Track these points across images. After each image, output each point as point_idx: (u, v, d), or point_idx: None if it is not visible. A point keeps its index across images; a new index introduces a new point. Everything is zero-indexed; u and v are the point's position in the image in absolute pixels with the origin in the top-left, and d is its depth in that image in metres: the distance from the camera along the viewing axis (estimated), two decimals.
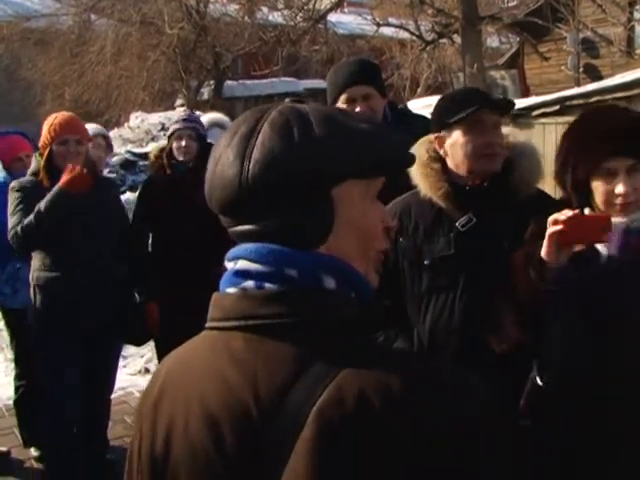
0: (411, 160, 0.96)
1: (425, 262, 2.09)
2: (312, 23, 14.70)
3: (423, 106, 7.25)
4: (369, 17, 16.22)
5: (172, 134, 3.65)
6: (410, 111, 3.08)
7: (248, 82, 17.54)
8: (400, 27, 15.94)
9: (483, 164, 2.04)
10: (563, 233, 1.68)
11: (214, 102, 15.54)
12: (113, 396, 3.80)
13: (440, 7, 14.23)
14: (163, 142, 3.98)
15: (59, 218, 3.09)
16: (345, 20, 18.75)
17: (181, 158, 3.58)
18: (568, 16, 13.34)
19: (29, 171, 3.35)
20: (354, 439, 0.76)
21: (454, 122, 2.04)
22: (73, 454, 3.28)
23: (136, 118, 11.87)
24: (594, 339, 1.72)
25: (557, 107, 7.45)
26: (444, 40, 15.36)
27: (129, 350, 5.13)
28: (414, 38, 15.70)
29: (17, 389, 3.92)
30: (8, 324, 3.94)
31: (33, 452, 3.85)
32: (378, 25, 15.66)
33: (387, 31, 16.58)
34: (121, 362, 4.46)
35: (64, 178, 3.08)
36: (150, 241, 3.73)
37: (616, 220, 1.71)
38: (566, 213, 1.69)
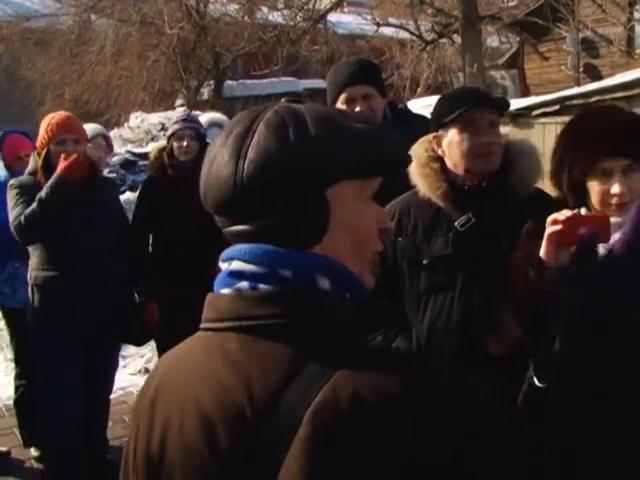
0: (407, 160, 0.96)
1: (424, 262, 2.09)
2: (312, 23, 14.70)
3: (423, 106, 7.25)
4: (369, 17, 16.22)
5: (172, 134, 3.65)
6: (410, 111, 3.08)
7: (248, 82, 17.55)
8: (400, 27, 15.94)
9: (479, 163, 2.03)
10: (562, 233, 1.68)
11: (214, 102, 15.54)
12: (113, 396, 3.80)
13: (440, 7, 14.23)
14: (163, 142, 3.98)
15: (58, 207, 3.10)
16: (345, 20, 18.75)
17: (182, 158, 3.58)
18: (568, 16, 13.35)
19: (27, 170, 3.35)
20: (349, 440, 0.76)
21: (449, 121, 2.04)
22: (73, 454, 3.28)
23: (136, 118, 11.87)
24: (594, 339, 1.72)
25: (557, 107, 7.46)
26: (444, 40, 15.36)
27: (129, 350, 5.13)
28: (414, 38, 15.70)
29: (17, 389, 3.93)
30: (8, 324, 3.95)
31: (33, 452, 3.85)
32: (378, 25, 15.66)
33: (387, 31, 16.58)
34: (121, 362, 4.47)
35: (61, 165, 3.10)
36: (150, 241, 3.74)
37: (612, 220, 1.71)
38: (565, 213, 1.69)
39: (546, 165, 2.12)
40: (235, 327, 0.86)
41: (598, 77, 13.47)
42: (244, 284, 0.88)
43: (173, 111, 12.83)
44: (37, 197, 3.08)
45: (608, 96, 7.15)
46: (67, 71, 15.92)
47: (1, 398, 4.60)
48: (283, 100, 0.95)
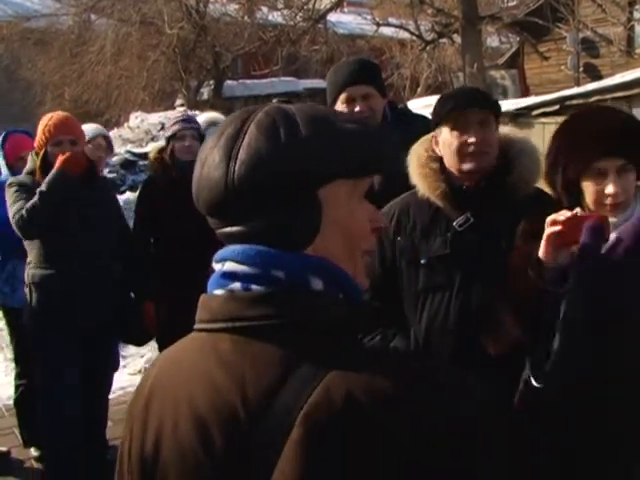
0: (398, 160, 0.96)
1: (422, 261, 2.09)
2: (312, 23, 14.71)
3: (423, 106, 7.26)
4: (369, 17, 16.24)
5: (173, 135, 3.64)
6: (410, 111, 3.08)
7: (248, 82, 17.55)
8: (400, 27, 15.96)
9: (468, 163, 2.02)
10: (561, 234, 1.68)
11: (214, 102, 15.54)
12: (113, 396, 3.80)
13: (440, 7, 14.25)
14: (162, 142, 3.97)
15: (58, 201, 3.10)
16: (345, 20, 18.76)
17: (186, 158, 3.57)
18: (568, 16, 13.36)
19: (25, 170, 3.36)
20: (343, 441, 0.76)
21: (442, 121, 2.05)
22: (73, 454, 3.28)
23: (136, 118, 11.85)
24: (594, 339, 1.72)
25: (557, 107, 7.47)
26: (444, 40, 15.38)
27: (129, 350, 5.13)
28: (414, 38, 15.72)
29: (17, 388, 3.92)
30: (8, 323, 3.95)
31: (33, 452, 3.85)
32: (378, 25, 15.68)
33: (387, 31, 16.60)
34: (121, 362, 4.46)
35: (58, 161, 3.11)
36: (151, 241, 3.73)
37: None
38: (564, 214, 1.69)
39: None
40: (228, 328, 0.86)
41: (598, 77, 13.47)
42: (237, 285, 0.88)
43: (173, 111, 12.82)
44: (37, 191, 3.10)
45: (608, 96, 7.15)
46: (67, 71, 15.92)
47: (1, 398, 4.60)
48: (274, 101, 0.95)
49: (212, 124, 4.39)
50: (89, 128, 4.08)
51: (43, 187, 3.10)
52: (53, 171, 3.11)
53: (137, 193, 4.02)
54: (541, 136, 6.57)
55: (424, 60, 16.60)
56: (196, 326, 0.92)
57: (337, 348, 0.83)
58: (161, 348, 3.69)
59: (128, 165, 9.31)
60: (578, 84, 12.29)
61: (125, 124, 11.96)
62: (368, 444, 0.76)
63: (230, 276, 0.89)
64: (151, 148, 4.44)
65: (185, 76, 16.37)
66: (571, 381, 1.75)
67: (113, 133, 10.32)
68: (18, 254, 3.50)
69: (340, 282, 0.89)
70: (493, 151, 2.05)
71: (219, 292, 0.90)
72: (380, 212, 0.99)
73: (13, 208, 3.17)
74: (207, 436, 0.83)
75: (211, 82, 17.35)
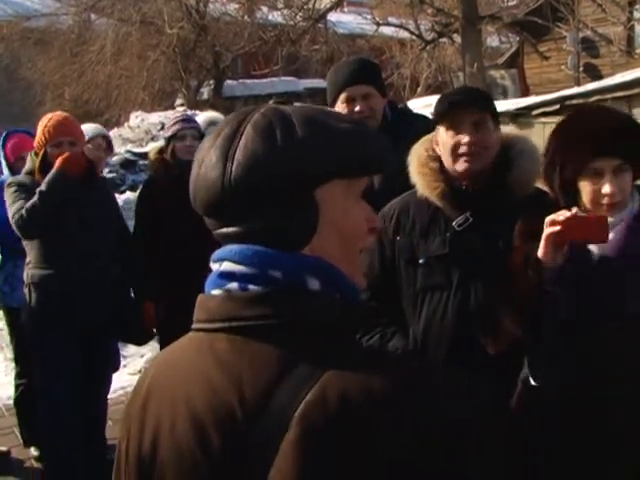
0: (394, 160, 0.96)
1: (420, 261, 2.09)
2: (312, 22, 14.72)
3: (423, 106, 7.26)
4: (369, 16, 16.24)
5: (174, 135, 3.64)
6: (410, 110, 3.07)
7: (248, 81, 17.56)
8: (400, 27, 15.96)
9: (461, 163, 2.02)
10: (561, 234, 1.68)
11: (214, 101, 15.55)
12: (113, 396, 3.80)
13: (440, 6, 14.25)
14: (162, 142, 3.96)
15: (58, 201, 3.11)
16: (345, 19, 18.77)
17: (187, 157, 3.57)
18: (568, 15, 13.36)
19: (24, 170, 3.36)
20: (338, 440, 0.76)
21: (439, 121, 2.05)
22: (73, 454, 3.28)
23: (136, 118, 11.86)
24: (593, 339, 1.72)
25: (557, 106, 7.47)
26: (444, 39, 15.39)
27: (129, 350, 5.13)
28: (414, 38, 15.73)
29: (17, 388, 3.92)
30: (8, 323, 3.95)
31: (33, 452, 3.85)
32: (378, 24, 15.68)
33: (387, 31, 16.60)
34: (121, 362, 4.46)
35: (58, 161, 3.11)
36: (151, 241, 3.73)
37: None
38: (564, 214, 1.69)
39: None
40: (225, 328, 0.86)
41: (598, 77, 13.47)
42: (234, 285, 0.88)
43: (173, 111, 12.83)
44: (37, 191, 3.10)
45: (608, 96, 7.15)
46: (67, 71, 15.93)
47: (1, 398, 4.60)
48: (271, 101, 0.95)
49: (212, 124, 4.38)
50: (89, 128, 4.07)
51: (43, 187, 3.10)
52: (53, 171, 3.12)
53: (137, 193, 4.02)
54: (541, 136, 6.55)
55: (424, 60, 16.61)
56: (193, 326, 0.92)
57: (334, 348, 0.84)
58: (162, 348, 3.69)
59: (128, 165, 9.31)
60: (578, 84, 12.29)
61: (125, 124, 11.96)
62: (363, 444, 0.76)
63: (227, 276, 0.89)
64: (151, 148, 4.44)
65: (185, 76, 16.38)
66: (571, 381, 1.75)
67: (113, 133, 10.32)
68: (17, 254, 3.50)
69: (337, 282, 0.89)
70: (489, 152, 2.04)
71: (216, 292, 0.90)
72: (380, 212, 0.99)
73: (12, 208, 3.17)
74: (204, 436, 0.83)
75: (211, 82, 17.35)
